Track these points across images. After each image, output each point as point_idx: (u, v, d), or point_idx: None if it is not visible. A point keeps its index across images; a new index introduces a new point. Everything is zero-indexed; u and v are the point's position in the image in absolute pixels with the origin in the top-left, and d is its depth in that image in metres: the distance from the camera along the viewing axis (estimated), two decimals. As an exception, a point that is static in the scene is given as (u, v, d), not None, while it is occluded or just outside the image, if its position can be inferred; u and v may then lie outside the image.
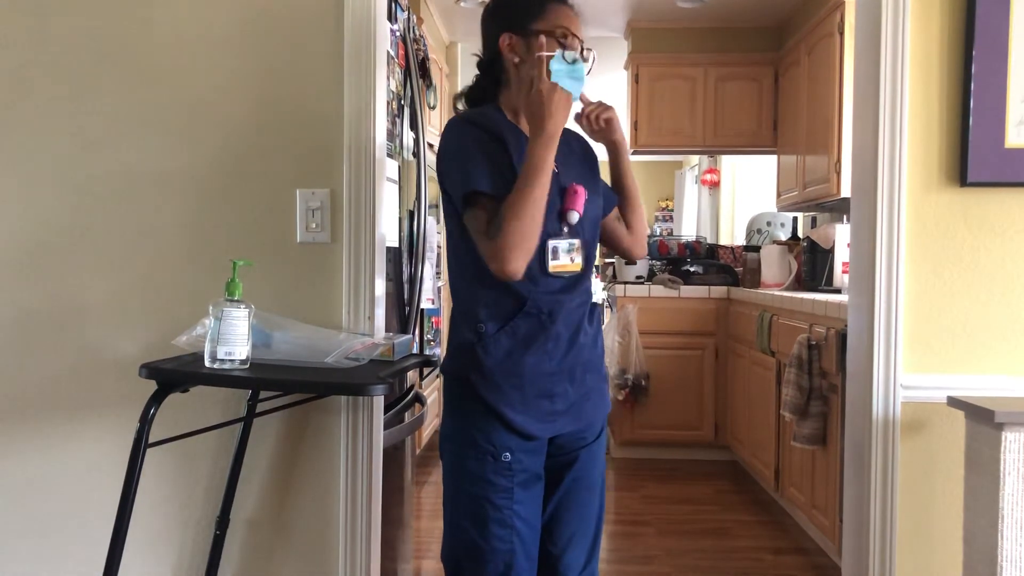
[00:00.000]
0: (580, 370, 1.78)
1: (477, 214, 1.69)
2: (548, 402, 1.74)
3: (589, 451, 1.83)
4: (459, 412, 1.77)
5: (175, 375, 1.80)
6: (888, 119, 2.22)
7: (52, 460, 2.21)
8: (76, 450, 2.21)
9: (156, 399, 1.76)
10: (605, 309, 5.47)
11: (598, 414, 1.84)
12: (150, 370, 1.79)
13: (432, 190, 2.82)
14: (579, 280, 1.78)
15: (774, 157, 5.27)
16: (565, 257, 1.74)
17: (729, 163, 7.12)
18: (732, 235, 6.91)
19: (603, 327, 1.94)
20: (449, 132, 1.75)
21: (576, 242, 1.76)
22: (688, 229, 7.61)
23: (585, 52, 1.75)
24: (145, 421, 1.73)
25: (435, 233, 3.21)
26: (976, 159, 2.20)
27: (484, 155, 1.69)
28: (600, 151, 1.92)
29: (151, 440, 1.75)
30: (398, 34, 2.55)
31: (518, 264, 1.61)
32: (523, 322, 1.72)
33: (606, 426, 1.91)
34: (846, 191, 3.84)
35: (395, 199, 2.53)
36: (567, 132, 1.85)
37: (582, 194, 1.75)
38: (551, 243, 1.72)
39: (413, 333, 2.79)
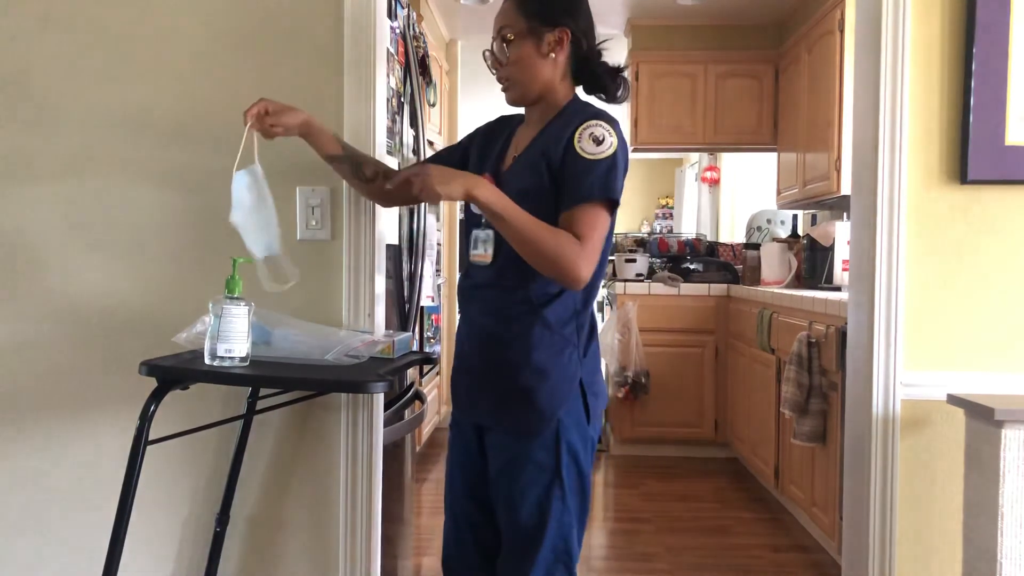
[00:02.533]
0: (482, 364, 1.82)
1: None
2: (460, 383, 1.90)
3: (502, 469, 1.79)
4: None
5: (175, 372, 1.80)
6: (888, 116, 2.22)
7: (52, 457, 2.21)
8: (76, 447, 2.21)
9: (156, 396, 1.76)
10: (605, 307, 5.46)
11: (505, 422, 1.77)
12: (150, 367, 1.79)
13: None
14: (489, 271, 1.80)
15: (774, 155, 5.27)
16: (481, 247, 1.82)
17: (729, 161, 7.12)
18: (732, 233, 6.91)
19: (554, 344, 1.77)
20: None
21: (491, 232, 1.78)
22: (688, 227, 7.62)
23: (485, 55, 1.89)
24: (145, 418, 1.73)
25: (435, 231, 3.21)
26: (976, 157, 2.20)
27: (455, 146, 2.01)
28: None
29: (151, 437, 1.75)
30: (398, 31, 2.54)
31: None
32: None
33: (544, 452, 1.75)
34: (846, 189, 3.83)
35: (395, 196, 2.53)
36: (564, 109, 1.82)
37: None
38: (474, 232, 1.83)
39: (413, 330, 2.79)
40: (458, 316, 1.97)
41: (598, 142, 1.70)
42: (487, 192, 1.65)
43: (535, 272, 1.70)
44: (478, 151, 1.94)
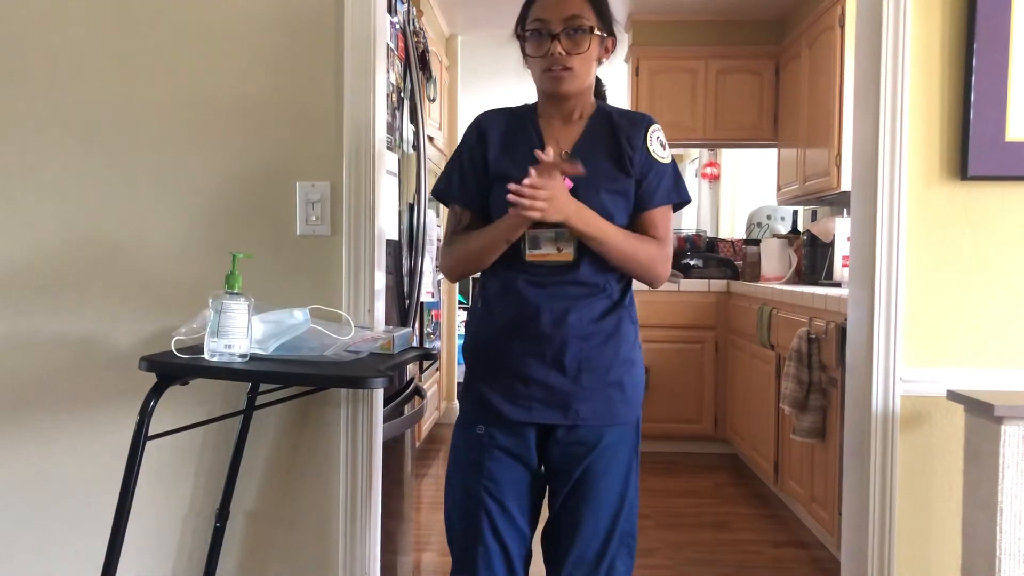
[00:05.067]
0: (572, 363, 1.77)
1: (448, 214, 1.94)
2: (523, 385, 1.79)
3: (589, 465, 1.80)
4: (463, 385, 1.93)
5: (175, 368, 1.80)
6: (889, 112, 2.21)
7: (52, 453, 2.21)
8: (76, 443, 2.21)
9: (156, 392, 1.76)
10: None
11: (598, 418, 1.80)
12: (150, 363, 1.79)
13: (432, 183, 2.81)
14: (569, 270, 1.77)
15: (774, 150, 5.27)
16: (549, 247, 1.78)
17: (729, 156, 7.11)
18: (732, 229, 6.90)
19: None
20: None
21: (566, 232, 1.75)
22: (688, 223, 7.59)
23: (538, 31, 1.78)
24: (145, 414, 1.74)
25: (435, 226, 3.21)
26: (977, 153, 2.20)
27: (463, 159, 1.88)
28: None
29: (151, 433, 1.75)
30: (398, 27, 2.54)
31: (453, 278, 1.95)
32: (502, 304, 1.82)
33: (627, 439, 1.85)
34: (846, 185, 3.83)
35: (395, 192, 2.53)
36: (605, 111, 1.86)
37: None
38: (528, 233, 1.77)
39: (413, 326, 2.79)
40: (460, 314, 1.94)
41: (663, 146, 1.84)
42: (582, 218, 1.72)
43: (610, 266, 1.80)
44: (505, 151, 1.85)
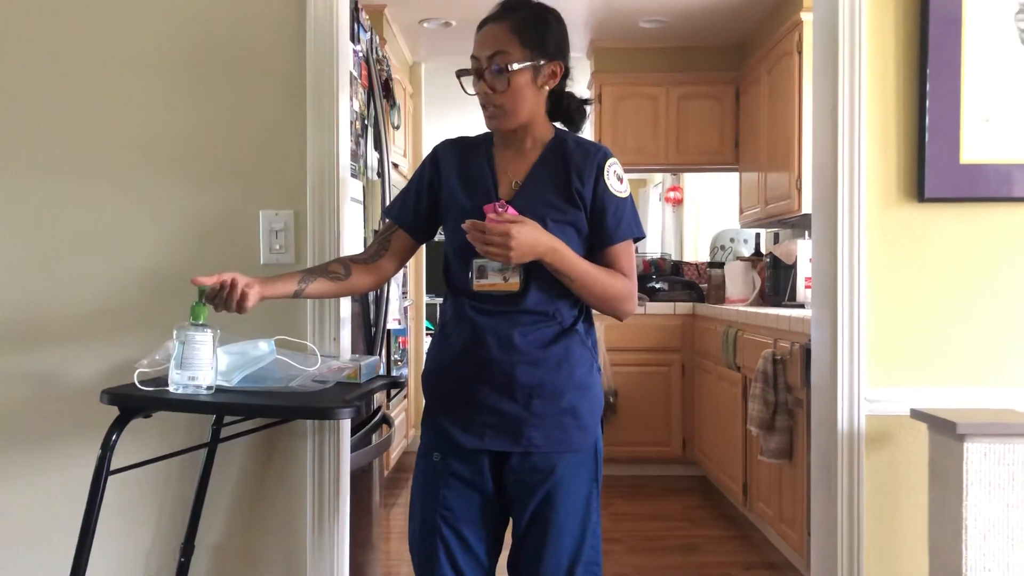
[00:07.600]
0: (522, 389, 1.76)
1: None
2: (475, 412, 1.79)
3: (547, 493, 1.78)
4: (423, 413, 1.91)
5: (137, 401, 1.77)
6: (847, 137, 2.25)
7: (12, 489, 2.16)
8: (37, 478, 2.16)
9: (118, 425, 1.73)
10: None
11: (552, 445, 1.78)
12: (112, 396, 1.76)
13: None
14: (516, 299, 1.77)
15: (736, 174, 5.33)
16: (495, 276, 1.78)
17: (692, 180, 7.18)
18: (696, 252, 6.95)
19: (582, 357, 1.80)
20: None
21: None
22: (653, 246, 7.65)
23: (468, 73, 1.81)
24: (107, 448, 1.71)
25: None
26: (933, 175, 2.24)
27: (412, 183, 1.92)
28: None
29: (113, 467, 1.72)
30: (361, 55, 2.55)
31: None
32: (456, 330, 1.83)
33: (585, 466, 1.82)
34: (807, 207, 3.89)
35: (360, 219, 2.53)
36: (561, 141, 1.85)
37: (489, 213, 1.75)
38: (475, 262, 1.78)
39: (380, 354, 2.78)
40: (427, 341, 1.93)
41: (620, 180, 1.83)
42: (555, 258, 1.73)
43: (562, 293, 1.79)
44: (459, 180, 1.85)
